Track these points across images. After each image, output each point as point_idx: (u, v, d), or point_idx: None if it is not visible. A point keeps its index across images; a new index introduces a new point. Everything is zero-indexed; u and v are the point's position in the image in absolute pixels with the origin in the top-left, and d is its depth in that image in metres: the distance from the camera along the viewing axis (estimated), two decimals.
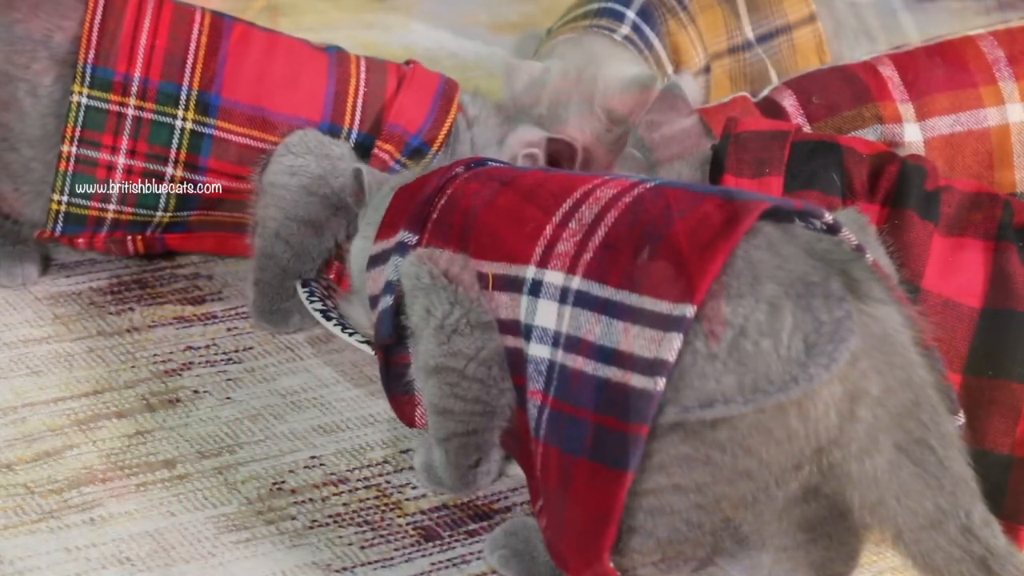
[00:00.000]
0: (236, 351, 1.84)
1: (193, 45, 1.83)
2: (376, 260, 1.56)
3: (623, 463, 1.27)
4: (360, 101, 1.86)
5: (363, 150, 1.85)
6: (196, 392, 1.75)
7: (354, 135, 1.86)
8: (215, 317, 1.91)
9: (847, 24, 2.36)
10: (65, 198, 1.83)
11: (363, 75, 1.87)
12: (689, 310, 1.26)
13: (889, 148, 1.66)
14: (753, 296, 1.26)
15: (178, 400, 1.74)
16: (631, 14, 2.16)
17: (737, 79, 2.24)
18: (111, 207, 1.84)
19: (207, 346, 1.85)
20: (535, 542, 1.44)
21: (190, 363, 1.81)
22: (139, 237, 1.90)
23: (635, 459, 1.26)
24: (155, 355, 1.82)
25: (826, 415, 1.25)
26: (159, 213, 1.85)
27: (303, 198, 1.82)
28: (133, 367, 1.79)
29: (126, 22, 1.82)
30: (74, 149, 1.81)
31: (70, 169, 1.82)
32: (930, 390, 1.28)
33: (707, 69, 2.22)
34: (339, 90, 1.86)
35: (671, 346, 1.26)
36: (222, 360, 1.82)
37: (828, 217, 1.33)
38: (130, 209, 1.85)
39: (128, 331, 1.86)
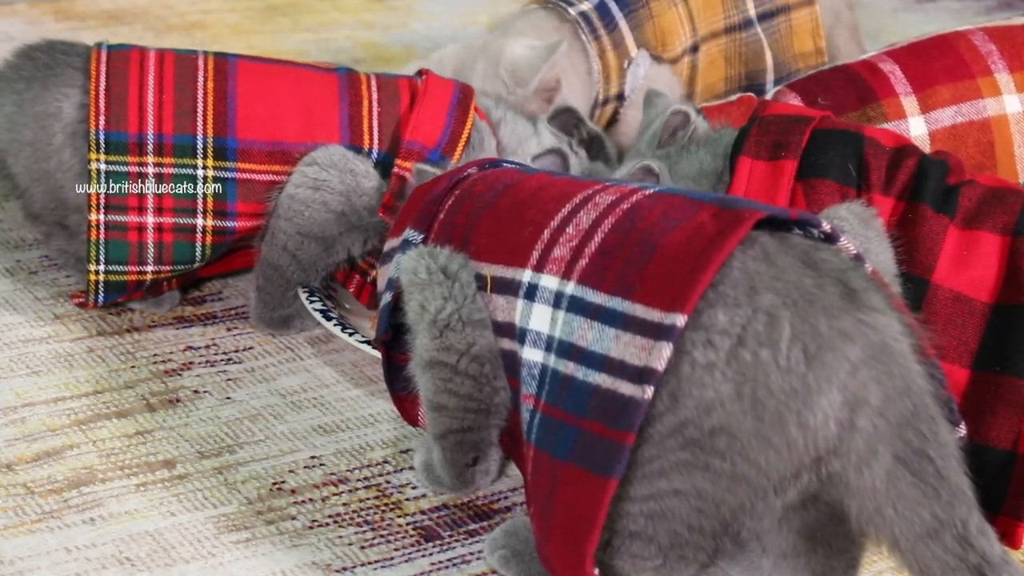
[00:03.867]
0: (236, 351, 1.84)
1: (201, 92, 1.81)
2: (385, 258, 1.58)
3: (608, 470, 1.27)
4: (376, 121, 1.84)
5: (384, 169, 1.83)
6: (196, 392, 1.75)
7: (374, 155, 1.84)
8: (215, 317, 1.91)
9: (844, 20, 2.36)
10: (102, 267, 1.81)
11: (375, 94, 1.85)
12: (679, 319, 1.25)
13: (912, 142, 1.65)
14: (751, 306, 1.26)
15: (178, 400, 1.74)
16: None
17: (732, 59, 2.23)
18: (149, 268, 1.82)
19: (207, 346, 1.85)
20: (535, 542, 1.44)
21: (190, 363, 1.81)
22: (174, 280, 1.88)
23: (620, 466, 1.26)
24: (155, 355, 1.82)
25: (825, 425, 1.25)
26: (197, 264, 1.83)
27: (320, 215, 1.81)
28: (133, 367, 1.79)
29: (131, 82, 1.80)
30: (102, 217, 1.79)
31: (102, 237, 1.80)
32: (929, 400, 1.28)
33: (694, 49, 2.21)
34: (353, 113, 1.83)
35: (660, 355, 1.26)
36: (222, 360, 1.82)
37: (826, 225, 1.33)
38: (168, 268, 1.82)
39: (128, 331, 1.86)
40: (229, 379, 1.78)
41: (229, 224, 1.82)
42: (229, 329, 1.89)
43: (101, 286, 1.81)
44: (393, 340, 1.57)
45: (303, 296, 1.86)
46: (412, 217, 1.54)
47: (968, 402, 1.51)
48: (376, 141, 1.84)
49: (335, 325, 1.81)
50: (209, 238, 1.82)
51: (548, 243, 1.39)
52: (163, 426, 1.69)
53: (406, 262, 1.50)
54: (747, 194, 1.59)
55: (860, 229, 1.49)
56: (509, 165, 1.58)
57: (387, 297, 1.54)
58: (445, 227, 1.50)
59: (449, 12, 3.00)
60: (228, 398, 1.75)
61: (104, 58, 1.82)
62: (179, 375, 1.78)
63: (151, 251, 1.81)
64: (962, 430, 1.36)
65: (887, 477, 1.25)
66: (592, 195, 1.40)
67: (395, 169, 1.81)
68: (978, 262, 1.54)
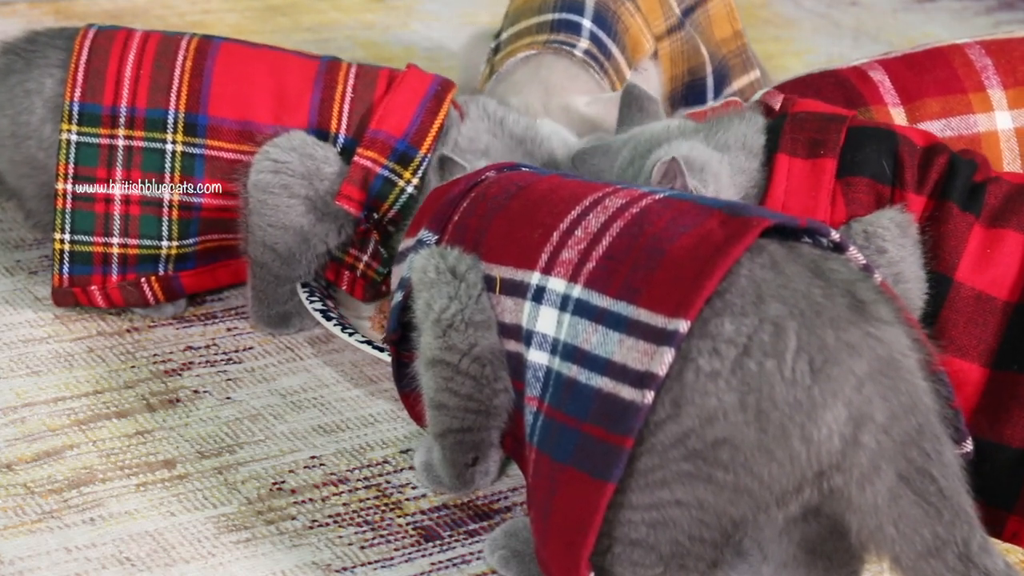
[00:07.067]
0: (236, 351, 1.84)
1: (178, 70, 1.83)
2: (399, 257, 1.58)
3: (606, 474, 1.27)
4: (347, 107, 1.83)
5: (350, 155, 1.83)
6: (196, 392, 1.75)
7: (341, 139, 1.83)
8: (215, 317, 1.91)
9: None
10: (67, 236, 1.82)
11: (351, 81, 1.85)
12: (682, 325, 1.25)
13: (940, 140, 1.65)
14: (757, 315, 1.25)
15: (178, 400, 1.74)
16: (587, 23, 2.13)
17: (677, 59, 2.25)
18: (115, 240, 1.83)
19: (207, 346, 1.85)
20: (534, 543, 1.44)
21: (190, 363, 1.81)
22: (153, 278, 1.87)
23: (618, 471, 1.26)
24: (155, 355, 1.82)
25: (829, 439, 1.24)
26: (164, 243, 1.84)
27: (283, 201, 1.81)
28: (133, 367, 1.79)
29: (111, 58, 1.83)
30: (69, 186, 1.82)
31: (68, 206, 1.82)
32: (934, 418, 1.27)
33: (655, 54, 2.21)
34: (324, 96, 1.83)
35: (662, 360, 1.25)
36: (222, 360, 1.82)
37: (835, 234, 1.32)
38: (134, 241, 1.83)
39: (128, 331, 1.86)
40: (229, 379, 1.78)
41: (195, 200, 1.83)
42: (229, 329, 1.89)
43: (66, 256, 1.83)
44: (402, 338, 1.57)
45: (303, 295, 1.86)
46: (428, 218, 1.54)
47: (985, 400, 1.50)
48: (344, 126, 1.83)
49: (335, 325, 1.81)
50: (175, 213, 1.83)
51: (557, 245, 1.39)
52: (163, 426, 1.69)
53: (417, 261, 1.50)
54: (787, 192, 1.58)
55: (899, 238, 1.49)
56: (526, 168, 1.58)
57: (398, 296, 1.54)
58: (459, 228, 1.50)
59: (449, 12, 3.00)
60: (228, 398, 1.75)
61: (91, 35, 1.85)
62: (179, 375, 1.78)
63: (117, 223, 1.83)
64: (968, 445, 1.36)
65: (889, 495, 1.24)
66: (602, 198, 1.40)
67: (355, 157, 1.81)
68: (1000, 260, 1.53)
